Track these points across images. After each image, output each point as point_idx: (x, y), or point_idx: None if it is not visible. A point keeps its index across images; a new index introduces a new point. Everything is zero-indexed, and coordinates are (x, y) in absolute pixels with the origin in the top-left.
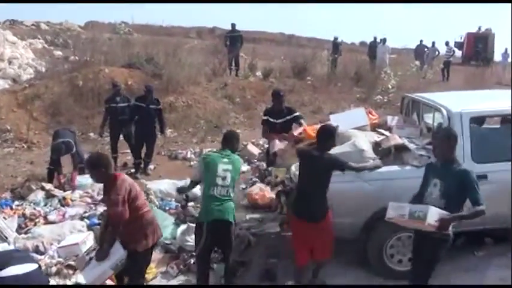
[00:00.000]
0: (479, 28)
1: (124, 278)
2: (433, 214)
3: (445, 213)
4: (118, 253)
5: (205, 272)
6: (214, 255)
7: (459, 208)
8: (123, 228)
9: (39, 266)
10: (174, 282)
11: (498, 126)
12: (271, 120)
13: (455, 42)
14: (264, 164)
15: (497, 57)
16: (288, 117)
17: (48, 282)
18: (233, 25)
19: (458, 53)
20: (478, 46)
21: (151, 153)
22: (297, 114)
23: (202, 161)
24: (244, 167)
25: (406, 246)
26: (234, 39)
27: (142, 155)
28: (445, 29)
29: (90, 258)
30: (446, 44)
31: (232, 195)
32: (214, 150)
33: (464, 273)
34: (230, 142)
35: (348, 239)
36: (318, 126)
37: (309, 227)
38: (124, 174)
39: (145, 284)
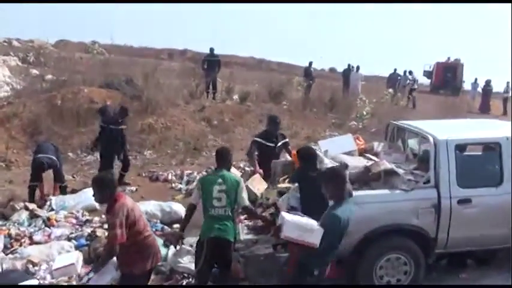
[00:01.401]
0: (449, 58)
1: None
2: (291, 226)
3: (312, 226)
4: (110, 273)
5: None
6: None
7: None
8: (120, 250)
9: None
10: None
11: (480, 153)
12: (268, 144)
13: (424, 71)
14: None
15: (467, 86)
16: (282, 142)
17: None
18: (211, 49)
19: (424, 80)
20: (447, 75)
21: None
22: (287, 140)
23: (199, 183)
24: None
25: (394, 267)
26: (212, 63)
27: None
28: (412, 57)
29: None
30: (410, 73)
31: (230, 214)
32: (209, 171)
33: None
34: (223, 160)
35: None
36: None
37: None
38: (125, 198)
39: None
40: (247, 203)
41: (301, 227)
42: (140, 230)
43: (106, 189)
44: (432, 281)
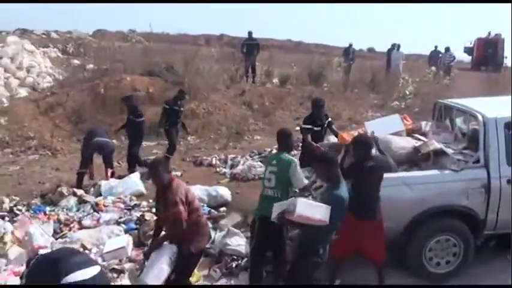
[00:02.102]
0: (489, 33)
1: (171, 276)
2: (304, 205)
3: (320, 205)
4: (169, 249)
5: (257, 269)
6: None
7: None
8: (170, 230)
9: (101, 268)
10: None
11: None
12: (316, 128)
13: (465, 48)
14: None
15: (509, 62)
16: (326, 123)
17: (109, 283)
18: (250, 33)
19: (464, 57)
20: (488, 51)
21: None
22: (330, 119)
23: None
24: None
25: (444, 249)
26: (251, 47)
27: None
28: (453, 34)
29: (140, 272)
30: (447, 49)
31: (279, 195)
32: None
33: (496, 274)
34: (280, 141)
35: (388, 241)
36: (353, 132)
37: (363, 225)
38: (179, 180)
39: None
40: (301, 184)
41: (313, 205)
42: (197, 208)
43: (163, 172)
44: (480, 262)
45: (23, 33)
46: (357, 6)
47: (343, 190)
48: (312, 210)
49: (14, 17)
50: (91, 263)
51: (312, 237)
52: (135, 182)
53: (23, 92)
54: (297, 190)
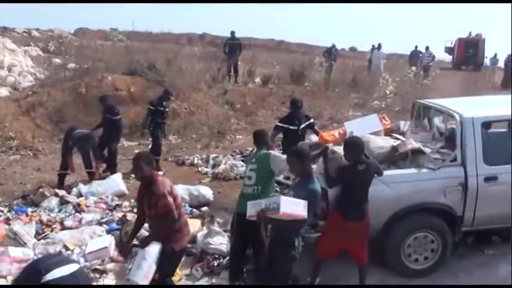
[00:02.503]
0: (470, 33)
1: (155, 276)
2: (286, 203)
3: (299, 201)
4: (156, 247)
5: (237, 266)
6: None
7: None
8: (161, 227)
9: (80, 266)
10: (198, 284)
11: (505, 130)
12: (291, 127)
13: (446, 47)
14: None
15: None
16: (306, 124)
17: (92, 281)
18: (232, 33)
19: (445, 57)
20: (469, 51)
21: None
22: (312, 120)
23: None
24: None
25: (422, 245)
26: (233, 46)
27: None
28: (434, 34)
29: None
30: (426, 48)
31: (258, 192)
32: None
33: (474, 269)
34: (258, 141)
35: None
36: (333, 132)
37: (351, 226)
38: (163, 177)
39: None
40: (284, 166)
41: (294, 202)
42: (179, 206)
43: (148, 167)
44: (459, 258)
45: (4, 31)
46: (340, 5)
47: (317, 183)
48: (294, 207)
49: None
50: (69, 261)
51: (287, 231)
52: (117, 182)
53: (4, 92)
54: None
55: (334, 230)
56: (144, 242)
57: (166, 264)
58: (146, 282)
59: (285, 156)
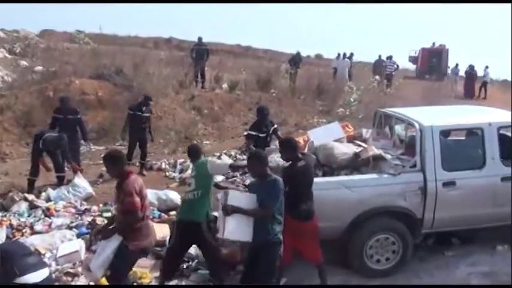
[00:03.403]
0: (434, 44)
1: (107, 272)
2: (234, 197)
3: (247, 195)
4: (116, 240)
5: (170, 267)
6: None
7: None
8: (122, 222)
9: (50, 271)
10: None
11: (463, 138)
12: (261, 135)
13: (410, 57)
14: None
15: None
16: (270, 130)
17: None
18: (200, 38)
19: (409, 66)
20: (432, 61)
21: (78, 161)
22: (275, 126)
23: None
24: (219, 177)
25: (383, 247)
26: (200, 51)
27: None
28: (398, 43)
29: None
30: (389, 58)
31: (198, 196)
32: None
33: (435, 270)
34: (193, 154)
35: (330, 240)
36: (298, 139)
37: (299, 225)
38: (135, 175)
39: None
40: (219, 170)
41: (241, 196)
42: (146, 207)
43: (119, 164)
44: (420, 259)
45: None
46: (306, 11)
47: (279, 178)
48: (240, 200)
49: None
50: (42, 264)
51: (270, 227)
52: (84, 186)
53: None
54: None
55: (285, 229)
56: (106, 233)
57: (117, 260)
58: (101, 272)
59: (219, 161)
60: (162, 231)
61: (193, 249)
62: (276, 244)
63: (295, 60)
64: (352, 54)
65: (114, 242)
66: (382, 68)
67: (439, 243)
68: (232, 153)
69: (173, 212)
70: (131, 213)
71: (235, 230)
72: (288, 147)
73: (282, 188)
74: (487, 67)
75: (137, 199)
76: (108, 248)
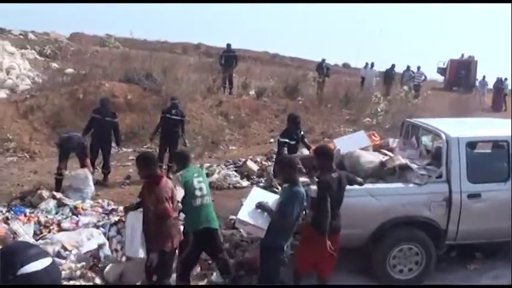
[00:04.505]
0: (462, 55)
1: (153, 277)
2: (257, 193)
3: (271, 194)
4: (139, 221)
5: (188, 272)
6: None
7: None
8: (154, 227)
9: (53, 260)
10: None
11: (489, 150)
12: (291, 142)
13: (438, 68)
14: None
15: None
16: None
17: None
18: (228, 45)
19: (438, 77)
20: (460, 72)
21: (108, 163)
22: (303, 133)
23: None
24: (244, 182)
25: (407, 257)
26: (229, 58)
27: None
28: (427, 54)
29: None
30: (418, 68)
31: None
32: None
33: (457, 282)
34: (184, 162)
35: (354, 248)
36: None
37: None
38: (166, 178)
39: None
40: None
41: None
42: (174, 209)
43: (152, 166)
44: (442, 271)
45: (1, 32)
46: (335, 22)
47: (300, 188)
48: (262, 197)
49: None
50: (44, 254)
51: (276, 233)
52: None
53: (2, 94)
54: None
55: (310, 243)
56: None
57: (159, 266)
58: (143, 252)
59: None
60: None
61: None
62: (274, 249)
63: (322, 67)
64: (373, 64)
65: (138, 222)
66: (410, 78)
67: (462, 257)
68: (258, 159)
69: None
70: (164, 218)
71: (250, 213)
72: (324, 155)
73: (302, 200)
74: (505, 79)
75: (169, 205)
76: (135, 231)
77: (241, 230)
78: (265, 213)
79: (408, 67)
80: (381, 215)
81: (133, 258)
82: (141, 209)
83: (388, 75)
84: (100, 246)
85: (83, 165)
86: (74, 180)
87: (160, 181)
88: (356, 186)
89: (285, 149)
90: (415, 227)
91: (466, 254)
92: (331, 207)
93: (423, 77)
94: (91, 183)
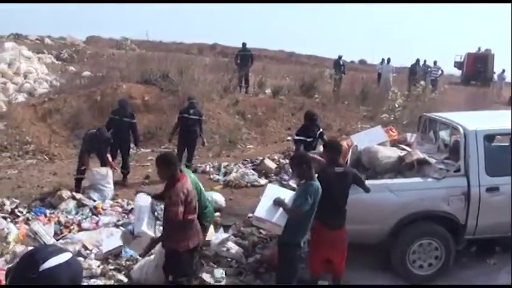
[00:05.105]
0: (479, 48)
1: (169, 276)
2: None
3: (286, 191)
4: (147, 202)
5: None
6: None
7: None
8: (167, 226)
9: (73, 254)
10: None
11: (508, 143)
12: (308, 140)
13: (455, 62)
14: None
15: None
16: (317, 134)
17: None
18: (244, 44)
19: (454, 71)
20: (477, 66)
21: (127, 163)
22: (322, 130)
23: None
24: (262, 181)
25: (426, 252)
26: (244, 57)
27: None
28: (443, 48)
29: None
30: (435, 63)
31: None
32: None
33: (476, 277)
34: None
35: (373, 244)
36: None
37: (332, 234)
38: (187, 178)
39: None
40: None
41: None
42: (191, 211)
43: (172, 167)
44: (461, 266)
45: (18, 38)
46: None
47: (316, 181)
48: (277, 193)
49: (6, 21)
50: (63, 250)
51: (292, 229)
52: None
53: (21, 98)
54: None
55: (318, 239)
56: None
57: (173, 265)
58: (152, 231)
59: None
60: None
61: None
62: (291, 245)
63: (338, 64)
64: (389, 59)
65: (145, 203)
66: (427, 73)
67: (482, 251)
68: (276, 157)
69: (217, 213)
70: (172, 221)
71: (266, 210)
72: (332, 149)
73: (315, 193)
74: None
75: (181, 209)
76: (144, 210)
77: (260, 227)
78: (282, 210)
79: (417, 60)
80: (400, 210)
81: (141, 236)
82: (149, 192)
83: (413, 71)
84: (123, 245)
85: (103, 165)
86: (96, 176)
87: (177, 183)
88: (375, 181)
89: (302, 146)
90: (434, 221)
91: (485, 249)
92: (332, 201)
93: (440, 72)
94: (111, 181)
